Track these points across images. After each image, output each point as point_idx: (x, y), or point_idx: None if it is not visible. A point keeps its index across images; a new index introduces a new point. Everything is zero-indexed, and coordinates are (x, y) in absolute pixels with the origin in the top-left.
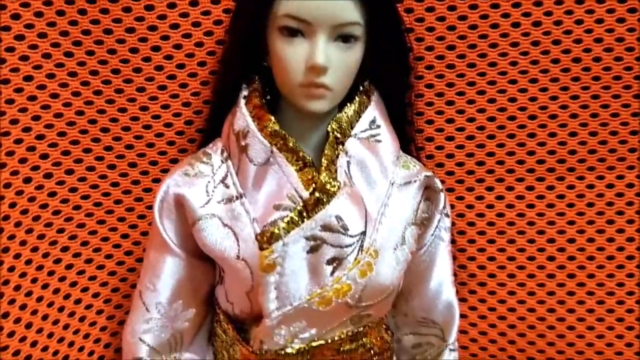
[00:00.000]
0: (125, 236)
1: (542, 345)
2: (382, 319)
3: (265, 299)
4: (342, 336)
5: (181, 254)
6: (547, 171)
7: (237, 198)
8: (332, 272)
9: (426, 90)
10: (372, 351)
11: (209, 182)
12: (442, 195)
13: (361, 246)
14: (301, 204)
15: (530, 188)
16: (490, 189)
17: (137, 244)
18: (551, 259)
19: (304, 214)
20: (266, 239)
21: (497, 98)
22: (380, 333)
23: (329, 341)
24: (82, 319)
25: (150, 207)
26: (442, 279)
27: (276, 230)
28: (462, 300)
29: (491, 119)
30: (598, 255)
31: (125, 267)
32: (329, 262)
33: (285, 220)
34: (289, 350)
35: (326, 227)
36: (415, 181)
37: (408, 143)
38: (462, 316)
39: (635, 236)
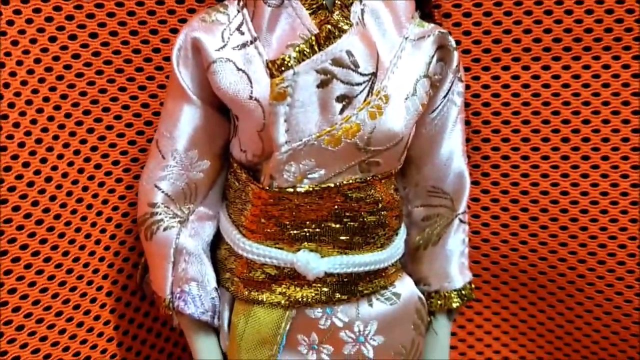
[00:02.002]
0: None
1: (554, 229)
2: (391, 175)
3: (275, 129)
4: (351, 181)
5: (197, 102)
6: (563, 50)
7: (251, 42)
8: (342, 111)
9: None
10: (380, 204)
11: (224, 29)
12: (455, 54)
13: (371, 88)
14: (313, 38)
15: (546, 67)
16: (506, 68)
17: None
18: (565, 140)
19: (315, 47)
20: (277, 66)
21: None
22: (389, 190)
23: (338, 184)
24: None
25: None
26: (453, 147)
27: (287, 58)
28: (474, 183)
29: None
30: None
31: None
32: (338, 99)
33: (296, 49)
34: (298, 189)
35: (336, 62)
36: (429, 36)
37: (426, 18)
38: (475, 200)
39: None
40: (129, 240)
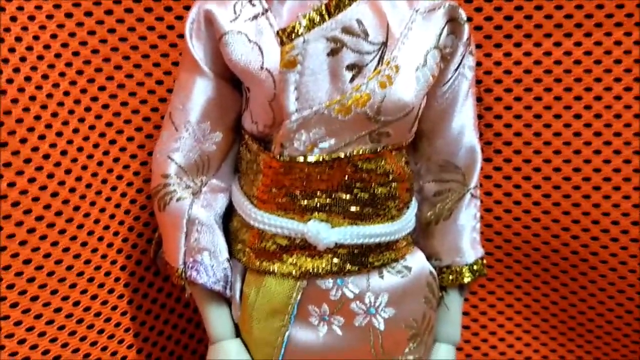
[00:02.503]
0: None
1: (567, 206)
2: (402, 148)
3: (285, 97)
4: (361, 152)
5: (210, 74)
6: (574, 27)
7: (262, 13)
8: (352, 79)
9: None
10: (390, 176)
11: (236, 2)
12: (466, 26)
13: (381, 57)
14: (323, 6)
15: (557, 44)
16: (517, 44)
17: None
18: (578, 116)
19: (325, 16)
20: (287, 34)
21: None
22: (400, 162)
23: (348, 155)
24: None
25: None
26: (464, 122)
27: (297, 26)
28: (487, 160)
29: None
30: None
31: None
32: (348, 68)
33: (306, 17)
34: (309, 158)
35: (346, 30)
36: (439, 9)
37: None
38: (488, 177)
39: None
40: (143, 216)
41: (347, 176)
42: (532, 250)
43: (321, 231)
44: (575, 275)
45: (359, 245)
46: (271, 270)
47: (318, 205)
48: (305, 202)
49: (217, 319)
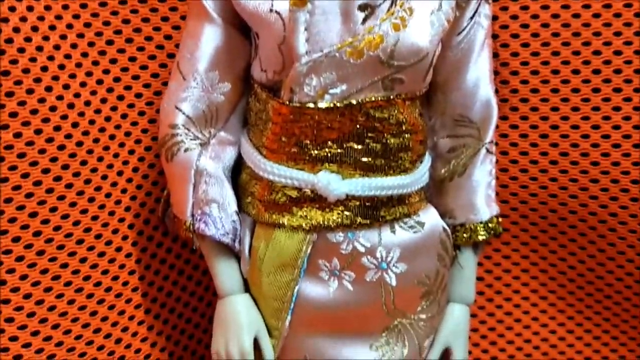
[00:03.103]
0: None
1: (585, 164)
2: (415, 98)
3: (295, 38)
4: (373, 99)
5: (219, 21)
6: None
7: None
8: (364, 20)
9: None
10: (403, 126)
11: None
12: None
13: None
14: None
15: (576, 16)
16: (535, 16)
17: None
18: (597, 72)
19: None
20: None
21: None
22: (414, 113)
23: (360, 102)
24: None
25: None
26: (480, 74)
27: None
28: (503, 118)
29: None
30: None
31: None
32: (361, 8)
33: None
34: (319, 105)
35: None
36: None
37: None
38: (503, 135)
39: None
40: (152, 175)
41: (358, 125)
42: (549, 212)
43: (332, 182)
44: (593, 237)
45: (371, 197)
46: (281, 223)
47: (329, 156)
48: (316, 152)
49: (226, 274)
